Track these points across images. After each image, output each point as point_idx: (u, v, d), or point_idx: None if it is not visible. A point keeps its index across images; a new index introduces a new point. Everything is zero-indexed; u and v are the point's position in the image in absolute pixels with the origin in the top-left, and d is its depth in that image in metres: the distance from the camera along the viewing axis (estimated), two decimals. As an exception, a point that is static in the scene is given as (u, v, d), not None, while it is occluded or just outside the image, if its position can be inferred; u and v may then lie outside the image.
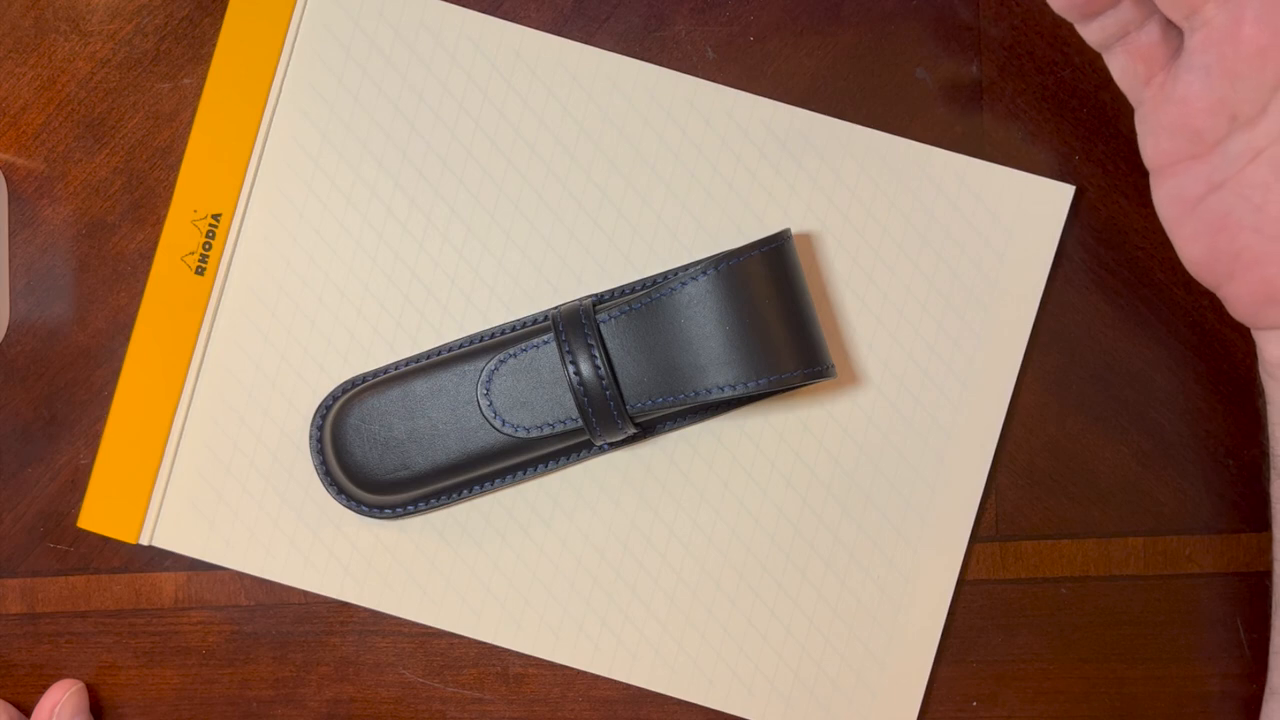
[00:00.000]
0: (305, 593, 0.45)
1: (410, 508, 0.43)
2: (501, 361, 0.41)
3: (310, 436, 0.43)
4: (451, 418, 0.42)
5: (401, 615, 0.44)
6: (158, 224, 0.45)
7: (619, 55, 0.44)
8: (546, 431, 0.41)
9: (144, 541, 0.44)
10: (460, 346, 0.43)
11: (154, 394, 0.44)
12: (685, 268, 0.44)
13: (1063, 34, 0.45)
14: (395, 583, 0.44)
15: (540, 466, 0.43)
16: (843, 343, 0.44)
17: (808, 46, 0.45)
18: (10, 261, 0.45)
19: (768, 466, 0.44)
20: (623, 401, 0.40)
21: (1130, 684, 0.45)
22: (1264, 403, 0.37)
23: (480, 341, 0.43)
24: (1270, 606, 0.39)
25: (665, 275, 0.44)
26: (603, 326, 0.41)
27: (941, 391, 0.44)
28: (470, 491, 0.43)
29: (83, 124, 0.45)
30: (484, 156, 0.44)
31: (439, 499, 0.43)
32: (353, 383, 0.44)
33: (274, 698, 0.45)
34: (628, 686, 0.45)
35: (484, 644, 0.45)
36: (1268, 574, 0.42)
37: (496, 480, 0.43)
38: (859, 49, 0.45)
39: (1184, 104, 0.34)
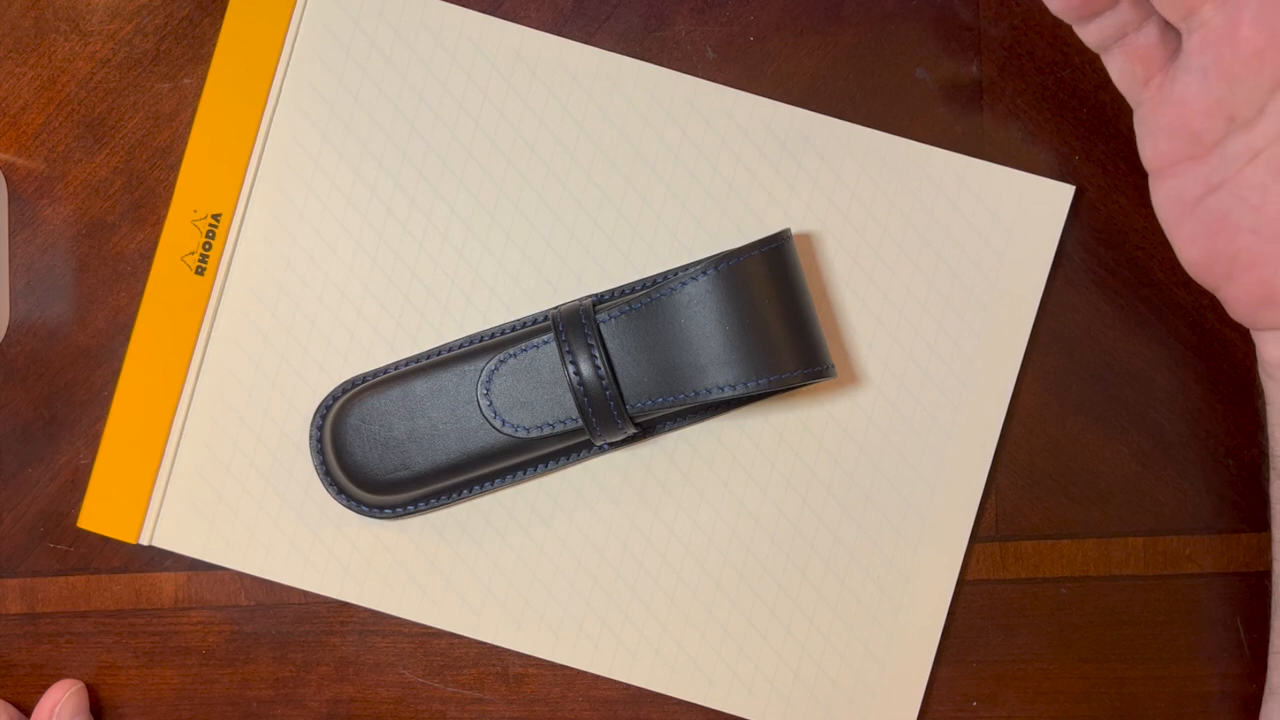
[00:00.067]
0: (305, 593, 0.45)
1: (410, 508, 0.43)
2: (501, 361, 0.41)
3: (310, 436, 0.43)
4: (451, 418, 0.42)
5: (401, 615, 0.44)
6: (158, 224, 0.45)
7: (619, 55, 0.44)
8: (546, 431, 0.41)
9: (144, 541, 0.44)
10: (460, 346, 0.43)
11: (154, 394, 0.44)
12: (685, 268, 0.44)
13: (1062, 34, 0.45)
14: (395, 583, 0.44)
15: (540, 466, 0.43)
16: (843, 343, 0.44)
17: (808, 46, 0.45)
18: (10, 261, 0.45)
19: (768, 466, 0.44)
20: (623, 401, 0.40)
21: (1130, 684, 0.45)
22: (1263, 403, 0.37)
23: (480, 341, 0.43)
24: (1270, 606, 0.39)
25: (665, 275, 0.44)
26: (603, 326, 0.41)
27: (941, 391, 0.44)
28: (470, 491, 0.43)
29: (83, 124, 0.45)
30: (484, 156, 0.44)
31: (439, 499, 0.43)
32: (353, 383, 0.44)
33: (274, 698, 0.45)
34: (628, 686, 0.45)
35: (484, 644, 0.45)
36: (1267, 574, 0.42)
37: (496, 480, 0.43)
38: (859, 49, 0.45)
39: (1182, 105, 0.34)
